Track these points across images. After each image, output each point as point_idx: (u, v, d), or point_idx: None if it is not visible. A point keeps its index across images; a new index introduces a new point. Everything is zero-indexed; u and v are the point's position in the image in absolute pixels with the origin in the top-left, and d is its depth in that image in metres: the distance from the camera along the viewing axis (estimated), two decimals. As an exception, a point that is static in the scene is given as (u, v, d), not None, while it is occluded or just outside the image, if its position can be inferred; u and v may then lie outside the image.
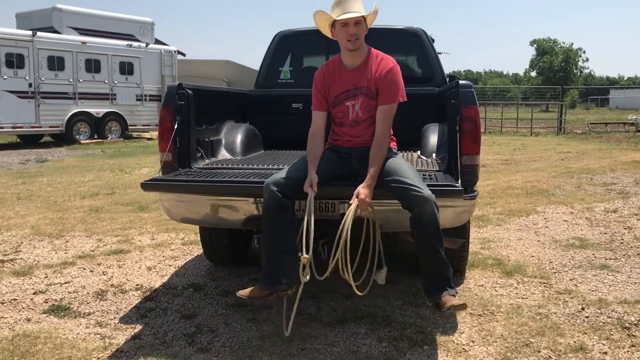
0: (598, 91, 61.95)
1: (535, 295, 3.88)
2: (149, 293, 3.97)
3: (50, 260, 4.74)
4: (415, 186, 2.91)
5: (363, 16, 3.17)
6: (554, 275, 4.29)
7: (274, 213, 3.01)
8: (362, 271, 3.30)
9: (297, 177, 3.08)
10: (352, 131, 3.33)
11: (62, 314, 3.58)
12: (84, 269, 4.52)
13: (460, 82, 3.44)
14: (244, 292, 3.15)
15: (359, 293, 3.14)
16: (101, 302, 3.79)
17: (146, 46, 18.39)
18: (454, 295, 2.95)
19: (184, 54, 21.37)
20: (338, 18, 3.15)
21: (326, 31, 3.33)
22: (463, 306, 2.91)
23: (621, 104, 55.03)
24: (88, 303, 3.78)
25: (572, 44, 72.01)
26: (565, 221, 6.16)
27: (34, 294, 3.95)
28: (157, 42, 19.59)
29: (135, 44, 18.11)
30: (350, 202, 3.00)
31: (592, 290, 3.95)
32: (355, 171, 3.27)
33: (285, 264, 3.06)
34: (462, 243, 3.81)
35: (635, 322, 3.39)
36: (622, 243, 5.21)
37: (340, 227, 2.95)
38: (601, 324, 3.38)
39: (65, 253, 4.98)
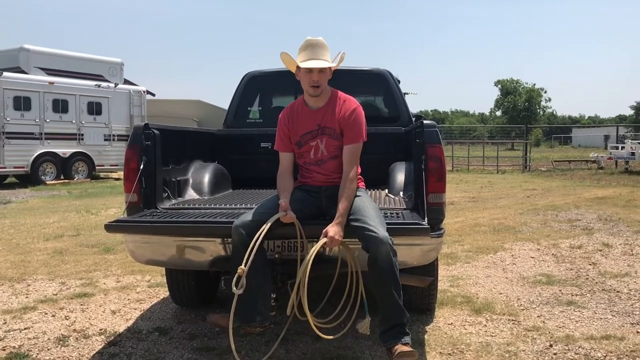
0: (561, 130, 63.84)
1: (504, 332, 3.89)
2: (112, 338, 3.85)
3: (10, 306, 4.58)
4: (373, 227, 2.90)
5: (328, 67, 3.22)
6: (522, 312, 4.31)
7: (243, 255, 2.97)
8: (332, 313, 3.25)
9: (265, 218, 3.06)
10: (319, 169, 3.35)
11: (20, 362, 3.44)
12: (46, 313, 4.38)
13: (425, 121, 3.50)
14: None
15: (322, 336, 3.04)
16: (62, 349, 3.66)
17: (115, 86, 18.32)
18: (408, 343, 2.89)
19: (153, 94, 21.34)
20: (302, 65, 3.19)
21: (292, 68, 3.35)
22: (412, 354, 2.84)
23: (583, 142, 56.81)
24: (49, 349, 3.64)
25: (535, 84, 74.43)
26: (532, 258, 6.23)
27: (-9, 341, 3.80)
28: (127, 82, 19.53)
29: (103, 84, 18.03)
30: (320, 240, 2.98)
31: (560, 327, 3.98)
32: (324, 210, 3.27)
33: (257, 304, 3.03)
34: (431, 281, 3.82)
35: (601, 358, 3.41)
36: (587, 279, 5.28)
37: (303, 265, 2.92)
38: (569, 360, 3.39)
39: (26, 297, 4.81)
